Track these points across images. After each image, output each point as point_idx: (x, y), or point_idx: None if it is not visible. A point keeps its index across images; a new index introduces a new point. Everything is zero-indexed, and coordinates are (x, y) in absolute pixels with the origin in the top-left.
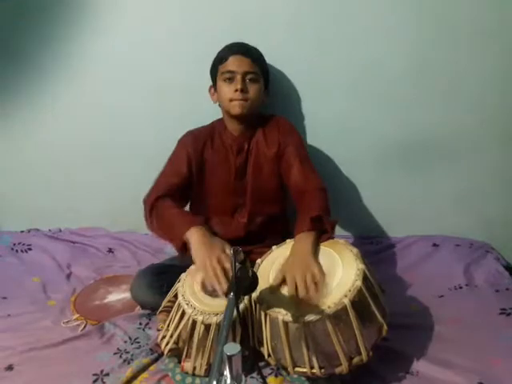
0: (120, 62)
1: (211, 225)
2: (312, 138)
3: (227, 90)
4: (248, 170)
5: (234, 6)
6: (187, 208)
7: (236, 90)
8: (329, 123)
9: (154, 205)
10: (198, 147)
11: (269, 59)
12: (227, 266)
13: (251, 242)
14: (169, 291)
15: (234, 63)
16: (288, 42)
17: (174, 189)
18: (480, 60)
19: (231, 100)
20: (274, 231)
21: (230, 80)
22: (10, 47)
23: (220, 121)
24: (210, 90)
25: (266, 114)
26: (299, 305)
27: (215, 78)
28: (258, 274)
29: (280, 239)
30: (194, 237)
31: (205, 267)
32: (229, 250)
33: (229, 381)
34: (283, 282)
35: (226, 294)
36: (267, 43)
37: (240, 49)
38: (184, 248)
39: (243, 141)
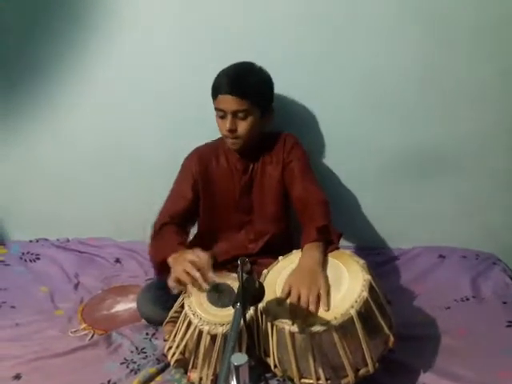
0: (124, 72)
1: (218, 241)
2: (315, 150)
3: (221, 126)
4: (253, 189)
5: (235, 20)
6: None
7: (226, 130)
8: (332, 135)
9: (155, 232)
10: (203, 167)
11: (270, 73)
12: (190, 257)
13: (258, 256)
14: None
15: (222, 102)
16: (289, 56)
17: (178, 215)
18: (482, 69)
19: (225, 136)
20: (279, 248)
21: (223, 117)
22: (14, 58)
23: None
24: None
25: (272, 132)
26: (306, 316)
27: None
28: (264, 284)
29: (285, 253)
30: (172, 262)
31: (176, 271)
32: (200, 252)
33: None
34: (289, 294)
35: (233, 305)
36: (268, 58)
37: (228, 87)
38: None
39: (248, 161)
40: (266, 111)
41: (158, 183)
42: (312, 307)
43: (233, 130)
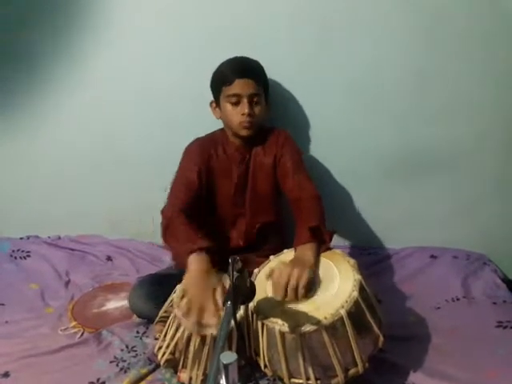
0: (121, 72)
1: (212, 234)
2: (310, 149)
3: (234, 113)
4: (248, 179)
5: (226, 19)
6: None
7: (243, 114)
8: (327, 134)
9: (170, 220)
10: (204, 156)
11: (266, 71)
12: (209, 307)
13: (249, 251)
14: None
15: (239, 87)
16: (285, 54)
17: (190, 202)
18: (478, 69)
19: (240, 123)
20: (272, 240)
21: (236, 103)
22: (13, 57)
23: (222, 131)
24: (211, 105)
25: (267, 127)
26: (296, 315)
27: (218, 96)
28: (255, 283)
29: (277, 248)
30: (192, 265)
31: (187, 298)
32: (220, 288)
33: None
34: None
35: (223, 304)
36: (264, 55)
37: (244, 71)
38: None
39: (245, 151)
40: (268, 98)
41: (150, 180)
42: (300, 290)
43: (251, 114)
